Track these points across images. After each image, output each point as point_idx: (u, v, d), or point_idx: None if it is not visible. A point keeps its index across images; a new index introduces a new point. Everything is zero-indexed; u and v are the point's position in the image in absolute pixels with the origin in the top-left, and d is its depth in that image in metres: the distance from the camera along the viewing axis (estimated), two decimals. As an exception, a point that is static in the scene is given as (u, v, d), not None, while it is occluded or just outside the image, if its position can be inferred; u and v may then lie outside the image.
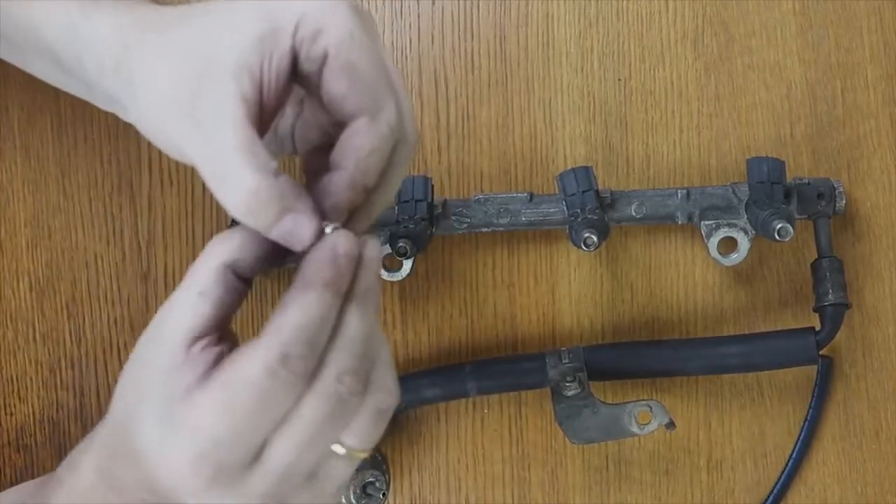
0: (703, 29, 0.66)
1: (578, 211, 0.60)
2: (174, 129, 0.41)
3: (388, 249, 0.62)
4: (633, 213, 0.62)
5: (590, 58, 0.67)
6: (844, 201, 0.62)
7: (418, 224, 0.60)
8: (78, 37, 0.45)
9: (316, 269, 0.39)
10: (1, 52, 0.52)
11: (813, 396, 0.65)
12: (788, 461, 0.65)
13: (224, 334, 0.41)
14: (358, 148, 0.40)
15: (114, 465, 0.44)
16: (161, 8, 0.45)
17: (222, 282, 0.40)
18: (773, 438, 0.66)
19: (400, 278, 0.62)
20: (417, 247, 0.60)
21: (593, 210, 0.60)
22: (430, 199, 0.62)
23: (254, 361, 0.38)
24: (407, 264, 0.62)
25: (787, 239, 0.57)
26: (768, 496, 0.65)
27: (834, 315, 0.61)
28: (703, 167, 0.66)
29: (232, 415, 0.38)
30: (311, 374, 0.39)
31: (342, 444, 0.42)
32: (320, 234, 0.40)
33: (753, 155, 0.62)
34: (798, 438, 0.65)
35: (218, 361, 0.40)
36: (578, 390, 0.59)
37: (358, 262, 0.40)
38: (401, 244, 0.59)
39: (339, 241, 0.39)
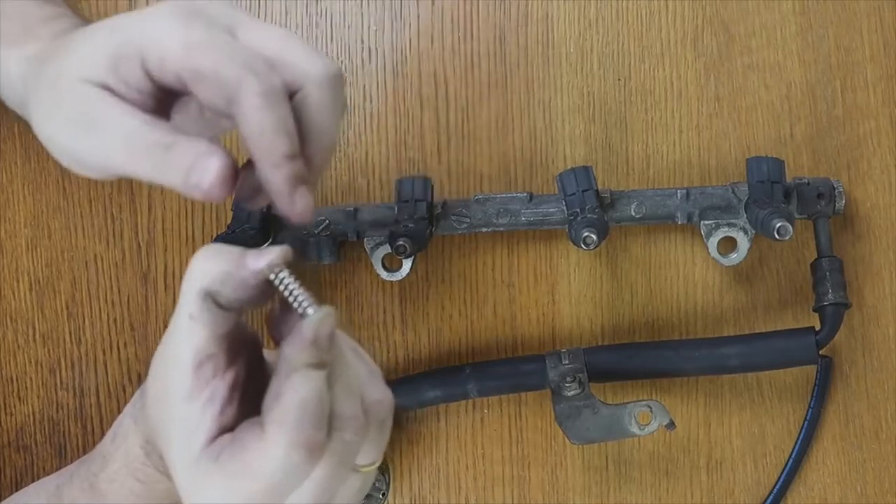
0: (702, 29, 0.66)
1: (578, 210, 0.60)
2: (67, 146, 0.44)
3: (388, 249, 0.62)
4: (633, 213, 0.62)
5: (589, 58, 0.67)
6: (844, 201, 0.62)
7: (418, 223, 0.60)
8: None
9: (300, 353, 0.39)
10: None
11: (813, 396, 0.65)
12: (788, 461, 0.65)
13: (233, 344, 0.41)
14: (246, 136, 0.41)
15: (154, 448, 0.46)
16: (59, 38, 0.48)
17: (207, 308, 0.40)
18: (772, 438, 0.66)
19: (399, 278, 0.62)
20: (417, 246, 0.60)
21: (593, 209, 0.60)
22: (429, 199, 0.62)
23: (266, 458, 0.38)
24: (406, 264, 0.62)
25: (787, 238, 0.57)
26: (768, 496, 0.65)
27: (834, 315, 0.61)
28: (702, 167, 0.66)
29: (247, 500, 0.39)
30: (323, 444, 0.39)
31: (355, 469, 0.42)
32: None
33: (753, 155, 0.62)
34: (798, 438, 0.65)
35: (230, 397, 0.40)
36: (578, 391, 0.59)
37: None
38: (400, 243, 0.59)
39: (318, 327, 0.39)
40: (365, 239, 0.63)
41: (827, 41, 0.66)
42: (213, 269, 0.40)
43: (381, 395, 0.43)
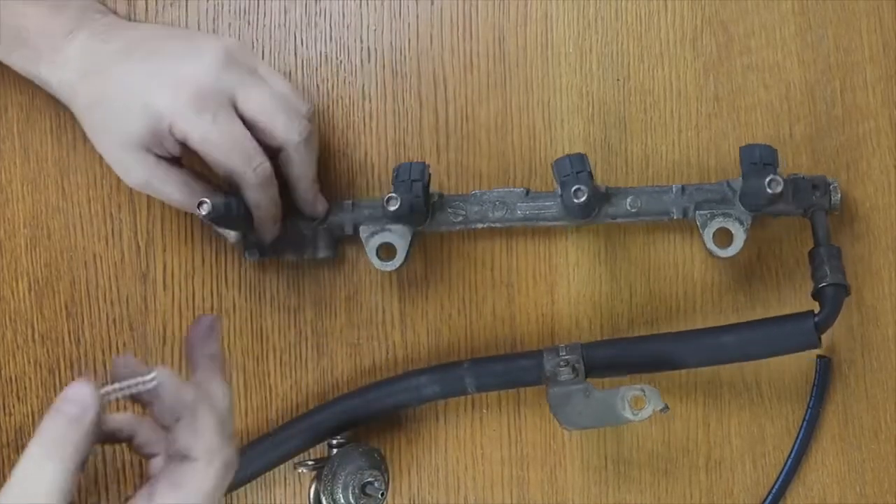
0: (701, 29, 0.66)
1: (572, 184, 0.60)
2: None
3: (383, 239, 0.62)
4: (629, 207, 0.62)
5: (588, 58, 0.67)
6: (840, 196, 0.62)
7: (414, 195, 0.60)
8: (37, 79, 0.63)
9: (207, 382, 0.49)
10: None
11: (812, 396, 0.65)
12: (787, 461, 0.65)
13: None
14: (247, 202, 0.60)
15: None
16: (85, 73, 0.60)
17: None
18: (772, 438, 0.66)
19: (394, 268, 0.62)
20: (412, 213, 0.60)
21: (587, 181, 0.59)
22: (425, 181, 0.61)
23: (206, 478, 0.46)
24: (400, 254, 0.62)
25: (779, 190, 0.56)
26: (767, 496, 0.65)
27: (833, 296, 0.58)
28: (701, 167, 0.66)
29: None
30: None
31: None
32: None
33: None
34: (797, 438, 0.65)
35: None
36: (572, 375, 0.59)
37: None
38: (391, 195, 0.58)
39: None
40: (361, 228, 0.63)
41: (826, 41, 0.66)
42: (61, 469, 0.43)
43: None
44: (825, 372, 0.65)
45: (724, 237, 0.61)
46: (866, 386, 0.66)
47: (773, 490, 0.65)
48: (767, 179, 0.56)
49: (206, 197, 0.57)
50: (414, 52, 0.67)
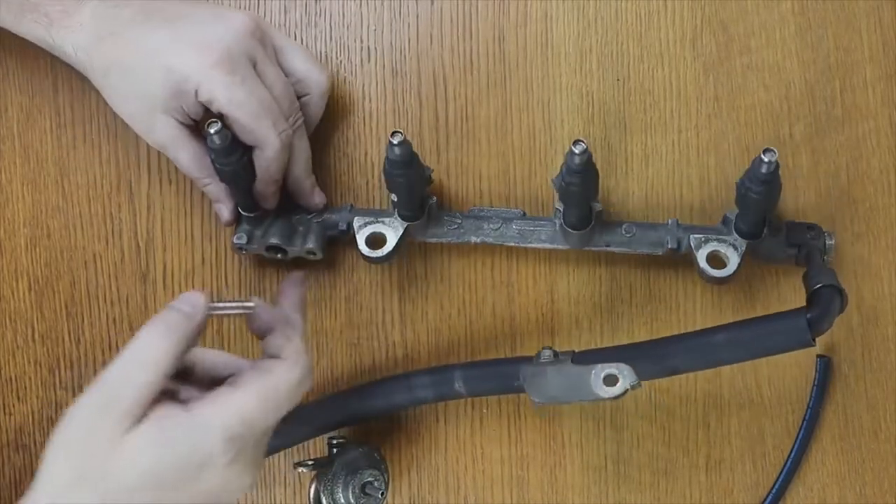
0: (701, 29, 0.66)
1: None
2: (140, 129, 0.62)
3: (375, 229, 0.62)
4: (623, 234, 0.63)
5: (588, 58, 0.67)
6: (833, 241, 0.62)
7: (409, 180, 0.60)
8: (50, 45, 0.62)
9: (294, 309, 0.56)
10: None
11: (812, 396, 0.65)
12: (787, 461, 0.65)
13: None
14: (259, 163, 0.61)
15: None
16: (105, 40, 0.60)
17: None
18: (771, 438, 0.66)
19: (381, 255, 0.62)
20: (408, 204, 0.60)
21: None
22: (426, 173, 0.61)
23: (291, 375, 0.51)
24: (390, 241, 0.62)
25: (773, 159, 0.54)
26: (767, 496, 0.65)
27: (827, 296, 0.56)
28: (701, 167, 0.66)
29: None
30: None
31: None
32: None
33: (752, 155, 0.61)
34: (797, 438, 0.65)
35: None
36: (552, 358, 0.58)
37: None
38: (396, 130, 0.57)
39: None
40: (355, 219, 0.63)
41: (826, 41, 0.66)
42: (167, 347, 0.48)
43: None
44: (825, 372, 0.65)
45: (717, 262, 0.61)
46: (866, 386, 0.66)
47: (773, 490, 0.65)
48: (762, 152, 0.54)
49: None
50: (414, 52, 0.67)
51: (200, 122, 0.60)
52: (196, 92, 0.58)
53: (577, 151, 0.55)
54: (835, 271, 0.58)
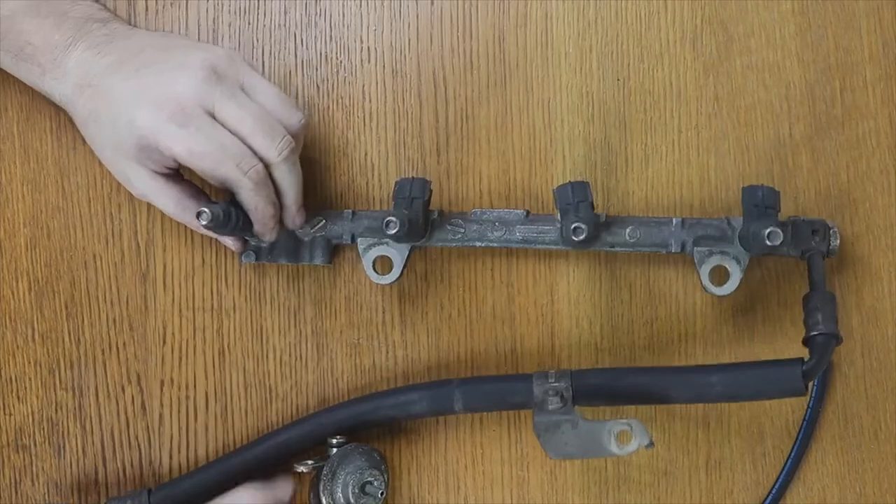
0: (701, 29, 0.66)
1: (572, 216, 0.60)
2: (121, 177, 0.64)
3: (380, 252, 0.62)
4: (627, 238, 0.62)
5: (588, 58, 0.67)
6: (839, 241, 0.62)
7: (413, 213, 0.60)
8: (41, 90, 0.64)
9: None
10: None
11: (812, 396, 0.65)
12: (787, 461, 0.65)
13: None
14: (245, 206, 0.61)
15: None
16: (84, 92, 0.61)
17: None
18: (771, 438, 0.66)
19: (389, 282, 0.63)
20: (409, 231, 0.60)
21: (587, 214, 0.60)
22: (426, 198, 0.62)
23: None
24: (396, 268, 0.63)
25: (778, 243, 0.56)
26: (767, 496, 0.65)
27: (823, 345, 0.57)
28: (701, 167, 0.66)
29: None
30: None
31: None
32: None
33: (752, 155, 0.62)
34: (797, 438, 0.65)
35: None
36: (560, 405, 0.58)
37: None
38: (390, 219, 0.58)
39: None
40: (359, 240, 0.63)
41: (826, 41, 0.66)
42: None
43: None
44: (825, 372, 0.65)
45: (720, 275, 0.61)
46: (866, 386, 0.66)
47: (773, 490, 0.65)
48: (767, 231, 0.56)
49: (204, 207, 0.58)
50: (414, 52, 0.67)
51: (182, 170, 0.62)
52: (157, 147, 0.58)
53: (577, 238, 0.59)
54: (835, 296, 0.59)
